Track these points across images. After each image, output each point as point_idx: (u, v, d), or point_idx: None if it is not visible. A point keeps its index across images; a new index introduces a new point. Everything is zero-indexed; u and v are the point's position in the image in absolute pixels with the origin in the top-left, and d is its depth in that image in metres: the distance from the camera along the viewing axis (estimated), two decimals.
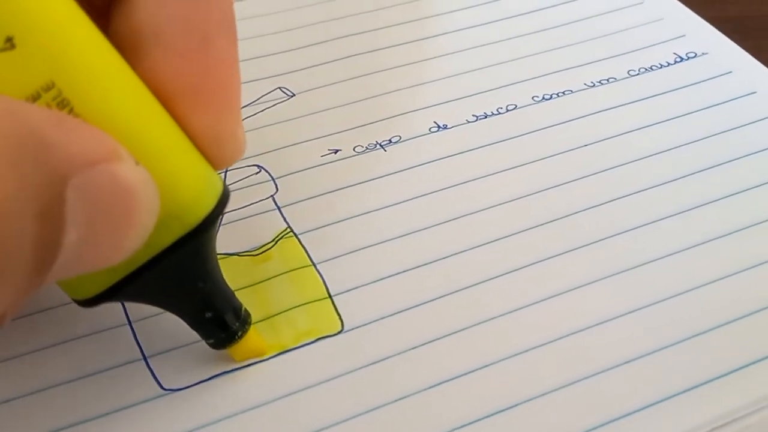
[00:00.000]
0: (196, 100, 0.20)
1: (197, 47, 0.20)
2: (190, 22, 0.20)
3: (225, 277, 0.24)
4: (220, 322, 0.22)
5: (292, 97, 0.31)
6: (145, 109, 0.19)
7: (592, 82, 0.31)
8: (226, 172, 0.28)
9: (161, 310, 0.24)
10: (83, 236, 0.17)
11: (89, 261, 0.18)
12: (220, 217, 0.21)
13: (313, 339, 0.23)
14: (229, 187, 0.27)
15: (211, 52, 0.20)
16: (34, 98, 0.17)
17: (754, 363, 0.23)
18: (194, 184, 0.20)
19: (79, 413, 0.22)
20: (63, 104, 0.17)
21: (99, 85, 0.18)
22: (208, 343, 0.23)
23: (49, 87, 0.17)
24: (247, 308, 0.24)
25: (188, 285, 0.21)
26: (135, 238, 0.18)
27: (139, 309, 0.24)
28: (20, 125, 0.15)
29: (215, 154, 0.21)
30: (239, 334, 0.22)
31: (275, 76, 0.32)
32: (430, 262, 0.25)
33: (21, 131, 0.15)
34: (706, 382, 0.22)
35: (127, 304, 0.24)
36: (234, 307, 0.22)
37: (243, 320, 0.22)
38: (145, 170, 0.18)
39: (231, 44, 0.21)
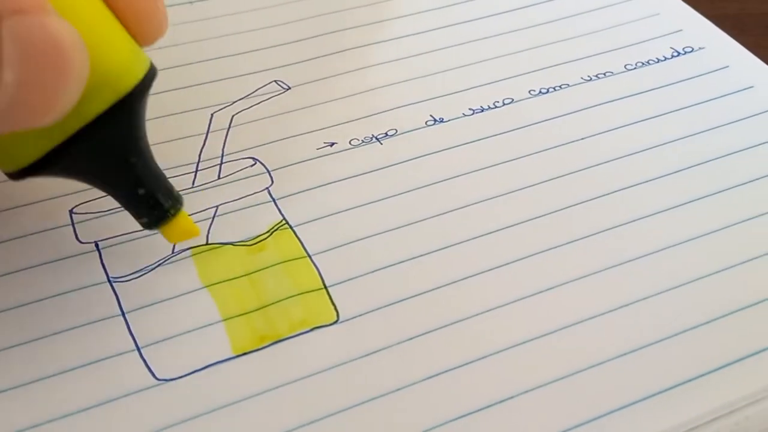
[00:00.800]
0: None
1: None
2: None
3: (219, 266, 0.24)
4: (152, 199, 0.23)
5: (287, 90, 0.31)
6: None
7: (589, 76, 0.31)
8: (221, 164, 0.28)
9: (154, 300, 0.24)
10: (19, 79, 0.18)
11: (24, 112, 0.18)
12: (149, 90, 0.22)
13: (308, 329, 0.23)
14: (224, 179, 0.27)
15: None
16: None
17: (749, 356, 0.23)
18: (122, 55, 0.21)
19: (73, 403, 0.22)
20: None
21: None
22: (141, 223, 0.23)
23: None
24: (242, 298, 0.24)
25: (119, 159, 0.22)
26: (67, 93, 0.19)
27: (131, 299, 0.24)
28: None
29: (139, 30, 0.22)
30: (171, 211, 0.23)
31: (271, 69, 0.31)
32: (425, 254, 0.25)
33: None
34: (700, 376, 0.22)
35: None
36: (166, 186, 0.23)
37: (175, 198, 0.23)
38: (73, 28, 0.19)
39: None
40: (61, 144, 0.21)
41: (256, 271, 0.25)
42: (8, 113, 0.18)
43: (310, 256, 0.25)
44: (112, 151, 0.22)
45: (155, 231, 0.24)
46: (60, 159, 0.21)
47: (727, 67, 0.32)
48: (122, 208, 0.23)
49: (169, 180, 0.23)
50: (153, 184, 0.23)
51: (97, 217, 0.26)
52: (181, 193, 0.24)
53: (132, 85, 0.21)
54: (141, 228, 0.24)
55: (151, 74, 0.22)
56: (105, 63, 0.20)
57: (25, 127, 0.19)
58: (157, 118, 0.29)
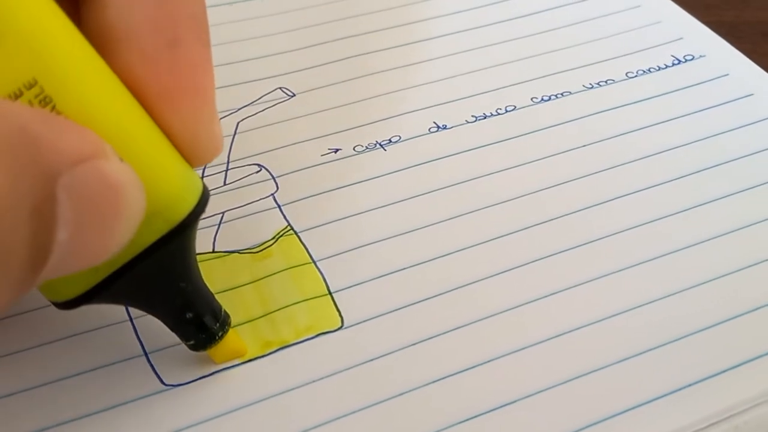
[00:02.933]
0: (169, 100, 0.20)
1: (166, 49, 0.20)
2: (158, 23, 0.20)
3: (225, 273, 0.24)
4: (199, 323, 0.22)
5: (292, 97, 0.31)
6: (124, 108, 0.19)
7: (590, 84, 0.32)
8: (226, 170, 0.28)
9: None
10: (73, 234, 0.17)
11: (78, 259, 0.18)
12: (201, 215, 0.21)
13: (313, 335, 0.24)
14: (230, 185, 0.28)
15: (181, 53, 0.20)
16: (17, 96, 0.17)
17: (747, 361, 0.23)
18: (175, 182, 0.20)
19: (81, 408, 0.22)
20: (45, 101, 0.17)
21: (80, 82, 0.18)
22: (187, 345, 0.22)
23: (31, 84, 0.17)
24: (247, 305, 0.24)
25: (169, 285, 0.21)
26: (122, 235, 0.18)
27: None
28: (10, 123, 0.15)
29: (193, 153, 0.21)
30: (219, 335, 0.22)
31: (276, 76, 0.32)
32: (429, 260, 0.25)
33: (12, 130, 0.15)
34: (699, 381, 0.22)
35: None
36: (213, 308, 0.22)
37: (222, 321, 0.22)
38: (129, 167, 0.18)
39: (201, 45, 0.21)
40: (109, 276, 0.20)
41: (261, 278, 0.25)
42: (61, 263, 0.17)
43: (315, 262, 0.25)
44: (161, 279, 0.21)
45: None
46: (107, 290, 0.20)
47: (728, 74, 0.32)
48: None
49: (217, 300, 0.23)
50: (201, 307, 0.22)
51: None
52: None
53: (185, 214, 0.20)
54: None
55: (204, 199, 0.21)
56: (158, 194, 0.19)
57: (81, 270, 0.18)
58: None
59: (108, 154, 0.17)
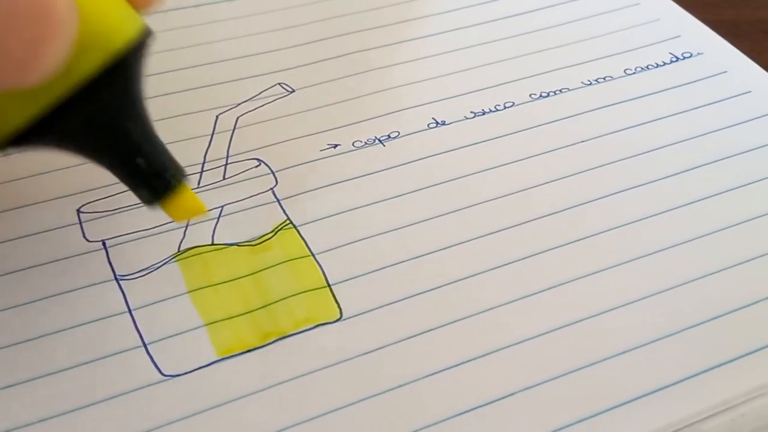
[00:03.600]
0: None
1: None
2: None
3: (224, 267, 0.24)
4: (152, 170, 0.21)
5: (291, 92, 0.31)
6: None
7: (589, 81, 0.32)
8: (226, 165, 0.28)
9: (160, 297, 0.24)
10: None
11: (6, 67, 0.17)
12: (143, 54, 0.21)
13: (311, 326, 0.24)
14: (229, 179, 0.28)
15: None
16: None
17: (744, 355, 0.23)
18: (113, 13, 0.20)
19: (80, 399, 0.22)
20: None
21: None
22: (141, 198, 0.22)
23: None
24: (246, 297, 0.24)
25: (116, 125, 0.21)
26: (54, 48, 0.17)
27: (138, 297, 0.24)
28: None
29: None
30: (173, 183, 0.22)
31: (275, 72, 0.32)
32: (427, 254, 0.26)
33: None
34: (696, 374, 0.23)
35: None
36: (167, 155, 0.22)
37: (177, 170, 0.22)
38: None
39: None
40: (51, 109, 0.19)
41: (260, 271, 0.25)
42: None
43: (313, 255, 0.25)
44: (106, 117, 0.20)
45: (156, 207, 0.22)
46: (51, 125, 0.20)
47: (725, 72, 0.32)
48: (128, 207, 0.23)
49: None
50: (152, 153, 0.21)
51: (104, 217, 0.26)
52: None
53: (124, 45, 0.20)
54: (147, 227, 0.23)
55: (145, 36, 0.21)
56: (94, 20, 0.19)
57: (8, 86, 0.18)
58: (164, 119, 0.29)
59: None
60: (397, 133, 0.29)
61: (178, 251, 0.25)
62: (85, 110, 0.20)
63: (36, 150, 0.21)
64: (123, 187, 0.23)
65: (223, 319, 0.24)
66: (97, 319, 0.24)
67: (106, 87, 0.20)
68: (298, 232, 0.26)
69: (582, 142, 0.29)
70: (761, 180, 0.28)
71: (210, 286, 0.25)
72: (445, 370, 0.23)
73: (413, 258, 0.25)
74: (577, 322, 0.24)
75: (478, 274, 0.25)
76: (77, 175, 0.27)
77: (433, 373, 0.23)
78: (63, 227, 0.26)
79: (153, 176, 0.21)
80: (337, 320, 0.24)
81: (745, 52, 0.33)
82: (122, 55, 0.20)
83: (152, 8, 0.21)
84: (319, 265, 0.25)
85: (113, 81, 0.20)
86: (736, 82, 0.31)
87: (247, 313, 0.24)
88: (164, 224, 0.26)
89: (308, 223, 0.26)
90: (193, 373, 0.23)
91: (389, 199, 0.27)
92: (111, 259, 0.25)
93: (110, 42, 0.20)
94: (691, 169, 0.28)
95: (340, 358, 0.23)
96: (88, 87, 0.20)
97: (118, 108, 0.21)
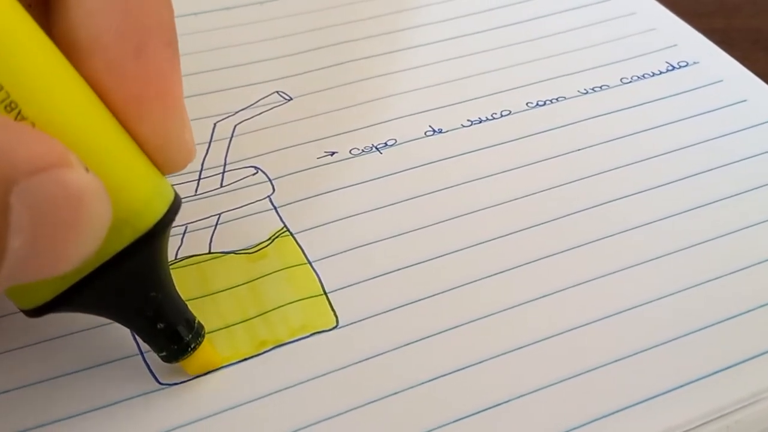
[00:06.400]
0: (137, 107, 0.20)
1: (132, 56, 0.20)
2: (125, 31, 0.20)
3: (220, 275, 0.24)
4: (172, 333, 0.22)
5: (289, 100, 0.31)
6: (92, 115, 0.19)
7: (585, 89, 0.32)
8: (223, 173, 0.28)
9: None
10: (28, 241, 0.16)
11: (34, 269, 0.17)
12: (171, 224, 0.21)
13: (308, 334, 0.24)
14: (226, 187, 0.28)
15: (148, 61, 0.20)
16: None
17: (739, 363, 0.23)
18: (144, 189, 0.20)
19: (77, 406, 0.22)
20: (10, 107, 0.17)
21: (47, 88, 0.18)
22: (160, 356, 0.22)
23: None
24: (243, 305, 0.24)
25: (139, 295, 0.21)
26: (84, 245, 0.18)
27: None
28: None
29: (164, 160, 0.21)
30: (192, 346, 0.22)
31: (273, 80, 0.32)
32: (423, 262, 0.26)
33: None
34: (692, 381, 0.23)
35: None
36: (187, 318, 0.22)
37: (196, 332, 0.22)
38: (95, 176, 0.17)
39: (169, 52, 0.21)
40: (76, 284, 0.19)
41: (256, 279, 0.25)
42: (16, 272, 0.17)
43: (310, 263, 0.25)
44: (131, 288, 0.21)
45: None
46: (75, 299, 0.20)
47: (721, 81, 0.32)
48: None
49: (190, 310, 0.22)
50: (173, 317, 0.22)
51: None
52: (183, 200, 0.22)
53: (153, 221, 0.20)
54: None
55: (174, 207, 0.21)
56: (126, 202, 0.19)
57: (36, 279, 0.18)
58: None
59: (72, 163, 0.17)
60: (393, 141, 0.30)
61: (175, 259, 0.26)
62: (109, 282, 0.20)
63: (58, 312, 0.21)
64: None
65: (220, 328, 0.24)
66: (94, 327, 0.24)
67: (130, 260, 0.20)
68: (295, 239, 0.26)
69: (578, 150, 0.29)
70: (757, 188, 0.28)
71: (207, 294, 0.25)
72: (442, 376, 0.23)
73: (410, 265, 0.26)
74: (571, 329, 0.24)
75: (475, 281, 0.25)
76: None
77: (430, 380, 0.23)
78: None
79: (172, 339, 0.22)
80: (334, 328, 0.24)
81: (738, 61, 0.33)
82: (152, 231, 0.20)
83: (181, 169, 0.22)
84: (316, 273, 0.25)
85: (139, 253, 0.20)
86: (731, 91, 0.32)
87: (243, 321, 0.24)
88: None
89: (305, 230, 0.26)
90: (189, 381, 0.23)
91: (386, 206, 0.27)
92: None
93: (142, 221, 0.20)
94: (688, 177, 0.28)
95: (336, 365, 0.23)
96: (114, 262, 0.20)
97: (142, 278, 0.21)
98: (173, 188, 0.21)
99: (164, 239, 0.21)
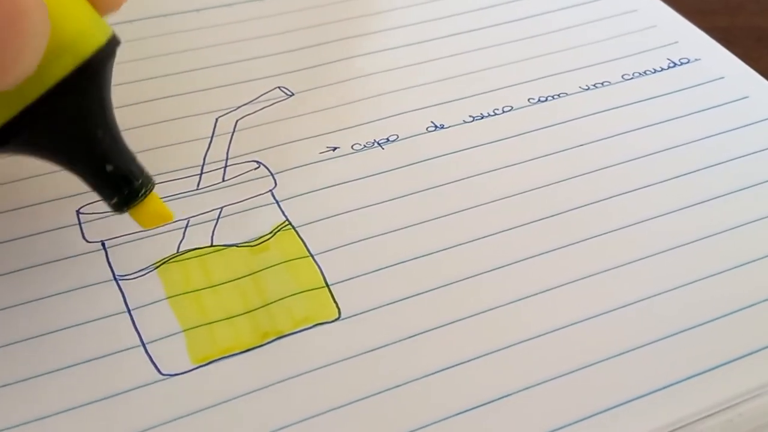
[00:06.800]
0: None
1: None
2: None
3: (223, 268, 0.24)
4: (121, 176, 0.22)
5: (291, 96, 0.31)
6: None
7: (587, 86, 0.32)
8: (225, 167, 0.28)
9: (159, 297, 0.24)
10: None
11: None
12: (111, 60, 0.21)
13: (310, 325, 0.24)
14: (228, 181, 0.28)
15: None
16: None
17: (741, 357, 0.23)
18: (82, 19, 0.20)
19: (79, 397, 0.22)
20: None
21: None
22: (110, 205, 0.22)
23: None
24: (245, 297, 0.24)
25: (86, 131, 0.21)
26: (28, 53, 0.18)
27: (137, 297, 0.24)
28: None
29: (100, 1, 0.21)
30: (143, 191, 0.22)
31: (275, 75, 0.32)
32: (425, 255, 0.26)
33: None
34: (694, 375, 0.23)
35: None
36: (136, 163, 0.22)
37: (147, 177, 0.22)
38: None
39: None
40: (21, 112, 0.20)
41: (259, 271, 0.25)
42: None
43: (312, 256, 0.26)
44: (76, 123, 0.21)
45: (125, 213, 0.23)
46: (21, 129, 0.20)
47: (723, 78, 0.32)
48: None
49: (142, 163, 0.23)
50: (121, 159, 0.22)
51: (103, 217, 0.26)
52: (185, 195, 0.23)
53: (93, 51, 0.20)
54: (147, 228, 0.23)
55: (113, 42, 0.21)
56: (64, 27, 0.20)
57: None
58: (164, 122, 0.30)
59: None
60: (395, 137, 0.30)
61: (178, 252, 0.26)
62: (55, 115, 0.20)
63: (5, 154, 0.21)
64: None
65: (222, 319, 0.24)
66: (97, 319, 0.24)
67: (75, 92, 0.20)
68: (297, 233, 0.26)
69: (580, 146, 0.29)
70: (758, 184, 0.28)
71: (209, 286, 0.25)
72: (443, 369, 0.23)
73: (411, 259, 0.26)
74: (574, 323, 0.24)
75: (477, 275, 0.25)
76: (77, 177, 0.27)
77: (432, 373, 0.23)
78: (62, 228, 0.26)
79: (122, 183, 0.22)
80: (336, 320, 0.24)
81: (740, 59, 0.33)
82: (92, 61, 0.20)
83: (116, 9, 0.22)
84: (318, 266, 0.25)
85: (83, 86, 0.20)
86: (733, 88, 0.32)
87: (245, 312, 0.24)
88: (163, 225, 0.26)
89: (307, 224, 0.27)
90: (191, 372, 0.23)
91: (387, 201, 0.27)
92: (110, 260, 0.25)
93: (81, 47, 0.20)
94: (689, 173, 0.28)
95: (338, 357, 0.23)
96: (58, 92, 0.20)
97: (87, 113, 0.21)
98: (112, 29, 0.22)
99: (106, 76, 0.21)
